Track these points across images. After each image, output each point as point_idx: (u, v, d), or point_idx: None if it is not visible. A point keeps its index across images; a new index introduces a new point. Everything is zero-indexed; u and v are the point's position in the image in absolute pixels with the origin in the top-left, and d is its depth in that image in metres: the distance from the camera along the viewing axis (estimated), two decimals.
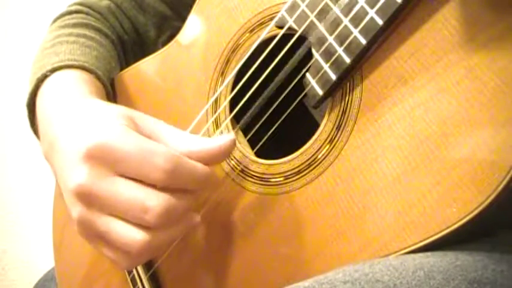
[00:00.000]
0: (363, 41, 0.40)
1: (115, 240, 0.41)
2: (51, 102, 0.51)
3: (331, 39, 0.42)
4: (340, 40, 0.41)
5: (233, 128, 0.50)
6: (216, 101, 0.52)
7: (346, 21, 0.41)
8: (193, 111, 0.53)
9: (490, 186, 0.34)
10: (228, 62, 0.52)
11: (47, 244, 0.71)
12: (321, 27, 0.43)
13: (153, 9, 0.70)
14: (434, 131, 0.37)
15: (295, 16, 0.45)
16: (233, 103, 0.50)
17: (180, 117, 0.55)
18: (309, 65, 0.44)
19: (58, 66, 0.54)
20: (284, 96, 0.47)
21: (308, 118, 0.54)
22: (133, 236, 0.41)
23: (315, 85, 0.43)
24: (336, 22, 0.42)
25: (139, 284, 0.55)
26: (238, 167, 0.49)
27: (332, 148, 0.42)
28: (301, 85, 0.45)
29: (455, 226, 0.36)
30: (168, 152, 0.41)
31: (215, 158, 0.44)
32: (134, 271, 0.56)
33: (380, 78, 0.40)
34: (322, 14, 0.43)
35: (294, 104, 0.47)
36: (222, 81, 0.52)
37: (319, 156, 0.43)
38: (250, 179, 0.48)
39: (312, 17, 0.43)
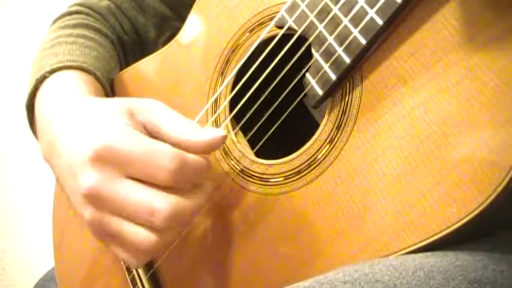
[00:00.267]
0: (363, 41, 0.40)
1: (126, 241, 0.42)
2: (49, 102, 0.52)
3: (331, 39, 0.42)
4: (340, 40, 0.41)
5: (233, 128, 0.50)
6: (216, 101, 0.52)
7: (346, 21, 0.41)
8: (193, 111, 0.53)
9: (490, 186, 0.34)
10: (228, 62, 0.52)
11: (47, 244, 0.71)
12: (321, 27, 0.43)
13: (153, 10, 0.70)
14: (434, 131, 0.37)
15: (295, 16, 0.45)
16: (233, 103, 0.50)
17: None
18: (308, 65, 0.44)
19: (57, 67, 0.55)
20: (284, 96, 0.47)
21: (308, 118, 0.54)
22: (142, 236, 0.41)
23: (314, 85, 0.43)
24: (336, 22, 0.42)
25: (139, 284, 0.55)
26: (238, 167, 0.49)
27: (332, 148, 0.42)
28: (301, 85, 0.45)
29: (455, 226, 0.36)
30: (172, 151, 0.41)
31: (207, 149, 0.44)
32: (134, 271, 0.56)
33: (380, 78, 0.40)
34: (322, 14, 0.43)
35: (294, 104, 0.47)
36: (222, 81, 0.52)
37: (319, 157, 0.43)
38: (250, 179, 0.48)
39: (312, 17, 0.43)
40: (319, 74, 0.43)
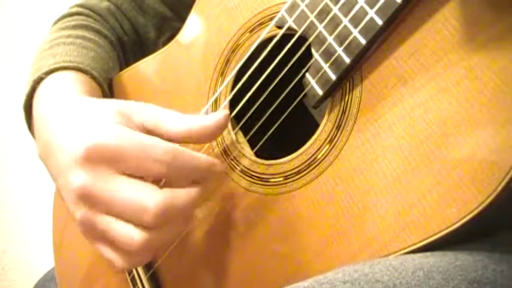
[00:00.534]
0: (363, 41, 0.40)
1: (115, 240, 0.41)
2: (45, 103, 0.52)
3: (330, 39, 0.42)
4: (340, 40, 0.41)
5: (233, 128, 0.50)
6: (216, 101, 0.52)
7: (345, 21, 0.41)
8: (193, 111, 0.53)
9: (490, 186, 0.34)
10: (227, 62, 0.52)
11: (47, 244, 0.71)
12: (321, 27, 0.43)
13: (153, 10, 0.70)
14: (434, 131, 0.37)
15: (295, 16, 0.45)
16: (233, 103, 0.50)
17: None
18: (308, 65, 0.44)
19: (54, 68, 0.55)
20: (284, 96, 0.47)
21: (308, 118, 0.54)
22: (132, 235, 0.41)
23: (314, 85, 0.43)
24: (336, 22, 0.42)
25: (139, 284, 0.55)
26: (238, 167, 0.49)
27: (332, 148, 0.42)
28: (301, 85, 0.45)
29: (455, 226, 0.36)
30: (165, 144, 0.41)
31: (210, 134, 0.44)
32: (134, 271, 0.56)
33: (380, 78, 0.40)
34: (322, 14, 0.43)
35: (294, 104, 0.47)
36: (222, 81, 0.52)
37: (319, 156, 0.43)
38: (249, 179, 0.48)
39: (312, 17, 0.43)
40: (319, 74, 0.43)
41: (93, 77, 0.57)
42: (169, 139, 0.43)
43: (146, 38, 0.71)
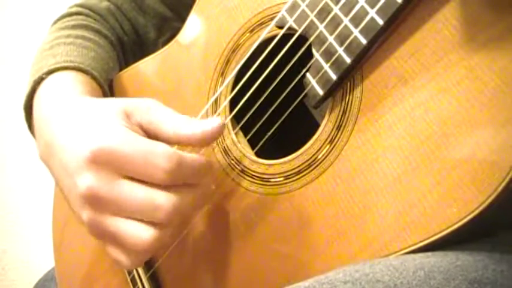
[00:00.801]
0: (364, 41, 0.40)
1: (124, 240, 0.42)
2: (46, 103, 0.52)
3: (331, 39, 0.42)
4: (341, 40, 0.41)
5: (233, 128, 0.50)
6: (216, 101, 0.52)
7: (346, 21, 0.41)
8: (193, 111, 0.53)
9: (491, 186, 0.34)
10: (228, 62, 0.52)
11: (47, 244, 0.71)
12: (321, 27, 0.43)
13: (153, 11, 0.70)
14: (434, 131, 0.37)
15: (295, 16, 0.45)
16: (233, 103, 0.50)
17: None
18: (309, 65, 0.44)
19: (54, 68, 0.55)
20: (284, 96, 0.47)
21: (308, 118, 0.54)
22: (142, 233, 0.41)
23: (315, 85, 0.43)
24: (337, 22, 0.42)
25: (139, 284, 0.55)
26: (238, 167, 0.49)
27: (332, 148, 0.42)
28: (302, 85, 0.45)
29: (456, 226, 0.36)
30: (169, 151, 0.41)
31: (209, 140, 0.44)
32: (134, 271, 0.56)
33: (380, 78, 0.40)
34: (323, 14, 0.43)
35: (294, 104, 0.47)
36: (222, 81, 0.52)
37: (319, 156, 0.43)
38: (250, 179, 0.48)
39: (312, 16, 0.43)
40: (320, 74, 0.43)
41: (93, 77, 0.57)
42: (167, 141, 0.43)
43: (146, 38, 0.71)
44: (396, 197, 0.38)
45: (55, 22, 0.68)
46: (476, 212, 0.35)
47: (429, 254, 0.37)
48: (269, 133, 0.48)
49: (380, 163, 0.39)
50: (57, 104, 0.50)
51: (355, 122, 0.41)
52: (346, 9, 0.41)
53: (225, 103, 0.51)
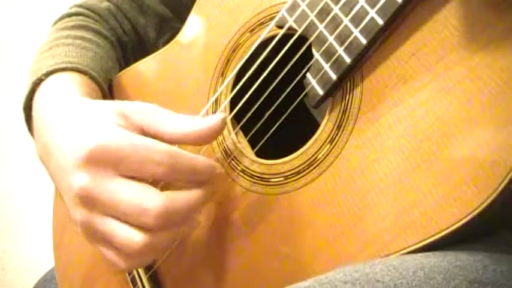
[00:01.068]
0: (364, 41, 0.40)
1: (115, 241, 0.42)
2: (45, 105, 0.52)
3: (331, 39, 0.42)
4: (341, 40, 0.41)
5: (233, 128, 0.50)
6: (216, 101, 0.52)
7: (346, 21, 0.41)
8: (193, 111, 0.53)
9: (491, 186, 0.34)
10: (228, 61, 0.52)
11: (47, 244, 0.71)
12: (322, 27, 0.43)
13: (153, 11, 0.70)
14: (435, 131, 0.37)
15: (295, 16, 0.45)
16: (233, 103, 0.50)
17: None
18: (309, 65, 0.44)
19: (53, 69, 0.55)
20: (284, 96, 0.47)
21: (308, 118, 0.54)
22: (133, 237, 0.41)
23: (315, 85, 0.43)
24: (337, 22, 0.42)
25: (139, 284, 0.55)
26: (238, 167, 0.49)
27: (332, 148, 0.42)
28: (302, 85, 0.45)
29: (456, 226, 0.35)
30: (165, 147, 0.41)
31: (207, 138, 0.44)
32: (134, 271, 0.56)
33: (380, 78, 0.40)
34: (323, 14, 0.43)
35: (295, 104, 0.47)
36: (222, 81, 0.52)
37: (319, 156, 0.43)
38: (250, 179, 0.48)
39: (312, 16, 0.43)
40: (320, 74, 0.43)
41: (92, 78, 0.57)
42: (168, 141, 0.43)
43: (146, 39, 0.71)
44: (396, 197, 0.38)
45: (55, 23, 0.68)
46: (477, 212, 0.35)
47: (429, 254, 0.37)
48: (269, 133, 0.48)
49: (380, 163, 0.39)
50: (55, 106, 0.50)
51: (355, 122, 0.41)
52: (346, 9, 0.41)
53: (225, 103, 0.51)
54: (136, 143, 0.41)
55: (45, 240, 0.75)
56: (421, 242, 0.37)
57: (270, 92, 0.48)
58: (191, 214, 0.44)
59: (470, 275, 0.36)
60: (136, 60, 0.64)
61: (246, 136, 0.50)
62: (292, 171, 0.45)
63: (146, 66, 0.61)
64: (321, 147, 0.43)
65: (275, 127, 0.48)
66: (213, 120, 0.43)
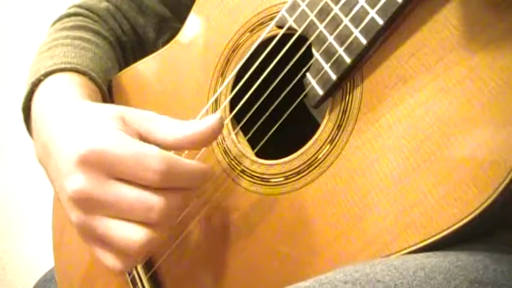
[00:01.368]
0: (364, 41, 0.40)
1: (114, 241, 0.42)
2: (44, 106, 0.52)
3: (331, 39, 0.42)
4: (341, 40, 0.41)
5: (233, 128, 0.50)
6: (216, 101, 0.52)
7: (346, 21, 0.41)
8: (193, 111, 0.53)
9: (491, 186, 0.34)
10: (228, 61, 0.52)
11: (47, 244, 0.71)
12: (321, 27, 0.43)
13: (153, 11, 0.69)
14: (435, 131, 0.37)
15: (295, 16, 0.45)
16: (233, 103, 0.50)
17: (180, 117, 0.54)
18: (309, 65, 0.44)
19: (52, 70, 0.55)
20: (284, 96, 0.47)
21: (308, 118, 0.54)
22: (134, 234, 0.41)
23: (315, 85, 0.43)
24: (337, 22, 0.41)
25: (139, 284, 0.55)
26: (238, 167, 0.49)
27: (333, 148, 0.42)
28: (302, 85, 0.45)
29: (456, 226, 0.35)
30: (161, 153, 0.41)
31: (207, 140, 0.44)
32: (134, 271, 0.56)
33: (380, 78, 0.40)
34: (323, 13, 0.43)
35: (295, 104, 0.47)
36: (222, 81, 0.52)
37: (319, 156, 0.43)
38: (250, 179, 0.48)
39: (312, 16, 0.43)
40: (320, 74, 0.43)
41: (91, 78, 0.57)
42: (165, 147, 0.43)
43: (146, 39, 0.71)
44: (397, 197, 0.38)
45: (54, 23, 0.68)
46: (477, 212, 0.35)
47: (430, 254, 0.37)
48: (269, 133, 0.48)
49: (380, 163, 0.39)
50: (54, 107, 0.50)
51: (356, 122, 0.41)
52: (346, 9, 0.41)
53: (225, 103, 0.51)
54: (132, 148, 0.41)
55: (45, 240, 0.75)
56: (421, 242, 0.37)
57: (270, 92, 0.48)
58: (178, 214, 0.44)
59: (471, 275, 0.36)
60: (135, 60, 0.64)
61: (246, 136, 0.50)
62: (293, 171, 0.45)
63: (146, 67, 0.61)
64: (321, 147, 0.43)
65: (275, 127, 0.48)
66: (210, 121, 0.43)
